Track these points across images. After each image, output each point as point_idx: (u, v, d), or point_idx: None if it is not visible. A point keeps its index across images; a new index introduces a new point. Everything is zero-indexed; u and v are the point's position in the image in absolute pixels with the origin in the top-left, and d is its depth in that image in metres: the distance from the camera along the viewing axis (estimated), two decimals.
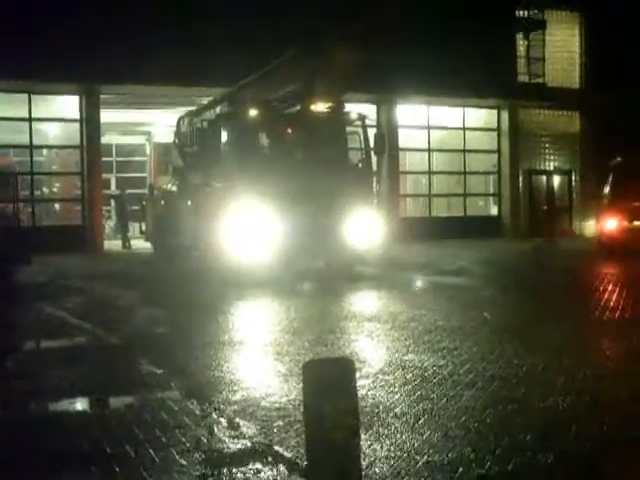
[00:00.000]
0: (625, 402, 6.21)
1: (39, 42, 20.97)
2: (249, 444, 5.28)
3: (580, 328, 9.87)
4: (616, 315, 10.99)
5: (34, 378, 7.30)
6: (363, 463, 4.48)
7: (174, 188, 20.12)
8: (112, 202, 30.23)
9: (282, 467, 4.87)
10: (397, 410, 6.01)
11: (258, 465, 4.90)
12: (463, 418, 5.75)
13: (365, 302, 13.19)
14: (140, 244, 24.69)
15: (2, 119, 23.35)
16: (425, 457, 4.98)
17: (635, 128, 28.52)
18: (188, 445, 5.24)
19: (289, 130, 16.21)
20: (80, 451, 5.22)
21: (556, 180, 32.04)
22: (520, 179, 30.67)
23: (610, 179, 20.87)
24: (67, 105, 24.54)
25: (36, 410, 6.34)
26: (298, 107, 15.86)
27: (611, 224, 20.09)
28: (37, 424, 5.93)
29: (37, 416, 6.19)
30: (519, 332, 9.51)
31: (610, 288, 14.05)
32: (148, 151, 33.42)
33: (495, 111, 30.55)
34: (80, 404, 6.67)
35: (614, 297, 12.80)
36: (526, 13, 30.76)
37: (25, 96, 23.35)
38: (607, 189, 20.89)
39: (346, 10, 23.23)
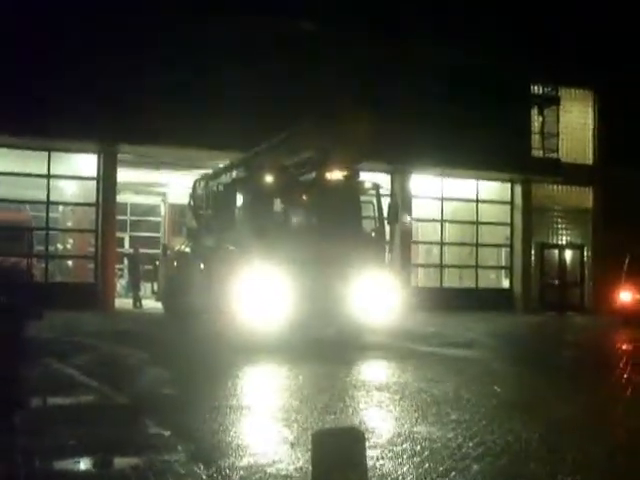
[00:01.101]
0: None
1: (59, 101, 21.32)
2: None
3: (591, 403, 9.78)
4: (628, 390, 10.90)
5: (40, 435, 7.26)
6: None
7: (187, 250, 20.23)
8: (125, 261, 30.37)
9: None
10: None
11: None
12: None
13: (375, 371, 13.12)
14: (151, 304, 24.73)
15: (21, 175, 23.63)
16: None
17: None
18: None
19: (304, 197, 16.30)
20: None
21: (568, 254, 32.05)
22: (532, 252, 30.68)
23: (627, 259, 24.55)
24: (85, 163, 24.83)
25: (41, 468, 6.29)
26: (313, 174, 15.99)
27: (626, 296, 24.01)
28: None
29: (41, 474, 6.15)
30: (529, 406, 9.44)
31: (622, 363, 13.95)
32: (163, 211, 33.67)
33: (508, 185, 30.73)
34: (85, 463, 6.62)
35: (626, 371, 12.71)
36: (541, 89, 31.15)
37: (45, 154, 23.66)
38: (625, 267, 24.51)
39: (362, 83, 23.79)
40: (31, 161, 23.96)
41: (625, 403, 10.03)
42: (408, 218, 25.52)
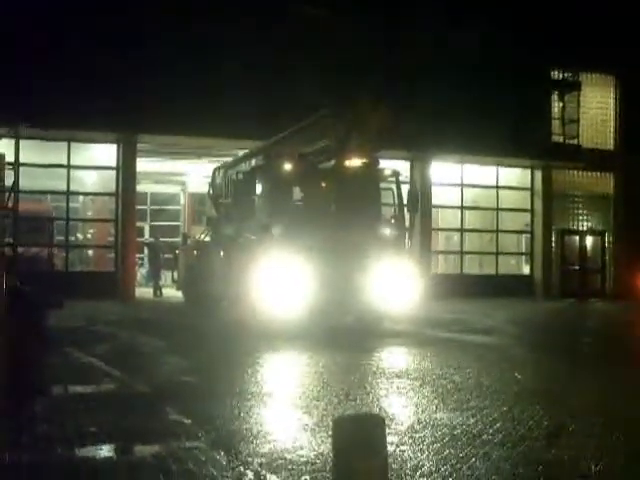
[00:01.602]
0: None
1: (79, 93, 21.37)
2: None
3: (613, 389, 9.73)
4: None
5: (61, 423, 7.30)
6: None
7: (207, 238, 20.29)
8: (145, 250, 30.48)
9: None
10: (425, 468, 5.94)
11: None
12: (492, 478, 5.67)
13: (395, 358, 13.11)
14: (171, 292, 24.82)
15: (42, 166, 23.73)
16: None
17: None
18: None
19: (323, 184, 16.29)
20: None
21: (589, 240, 31.86)
22: (553, 239, 30.53)
23: None
24: (104, 153, 24.91)
25: (62, 456, 6.32)
26: (332, 162, 15.96)
27: None
28: (63, 470, 5.92)
29: (63, 462, 6.17)
30: (550, 393, 9.41)
31: None
32: (182, 200, 33.76)
33: (529, 171, 30.57)
34: (106, 451, 6.64)
35: None
36: (561, 75, 30.90)
37: (65, 144, 23.75)
38: None
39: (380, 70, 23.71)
40: (51, 152, 24.05)
41: None
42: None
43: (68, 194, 24.73)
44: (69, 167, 24.17)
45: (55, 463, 6.09)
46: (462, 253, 29.92)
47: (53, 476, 5.77)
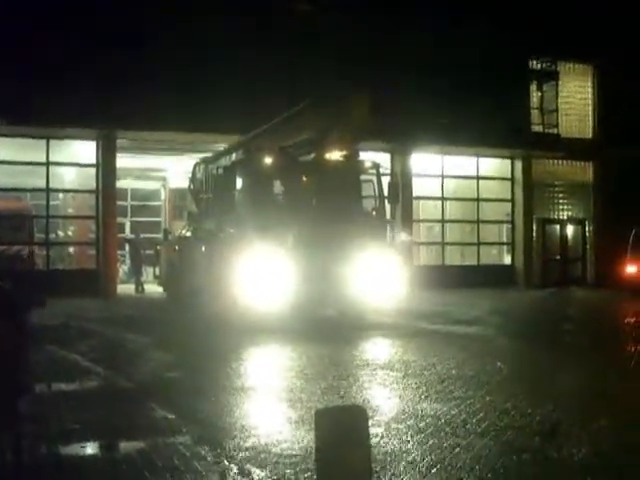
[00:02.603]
0: None
1: (57, 89, 21.23)
2: None
3: (596, 377, 9.80)
4: (632, 363, 10.93)
5: (45, 421, 7.30)
6: None
7: (188, 233, 20.22)
8: (126, 246, 30.36)
9: None
10: (409, 459, 5.97)
11: None
12: (476, 467, 5.71)
13: (378, 350, 13.15)
14: (153, 288, 24.74)
15: (20, 163, 23.59)
16: None
17: None
18: None
19: (304, 177, 16.28)
20: None
21: (569, 229, 32.01)
22: (533, 228, 30.65)
23: (633, 233, 25.09)
24: (84, 150, 24.77)
25: (47, 454, 6.32)
26: (313, 155, 15.96)
27: (632, 269, 24.59)
28: (47, 468, 5.91)
29: (48, 460, 6.17)
30: (533, 382, 9.47)
31: (625, 337, 13.98)
32: (163, 196, 33.62)
33: (509, 161, 30.63)
34: (91, 448, 6.65)
35: (629, 346, 12.74)
36: (539, 64, 31.00)
37: (43, 141, 23.59)
38: (630, 241, 25.07)
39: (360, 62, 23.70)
40: (30, 149, 23.89)
41: (630, 376, 10.04)
42: (408, 237, 25.41)
43: (48, 191, 24.56)
44: (48, 164, 24.01)
45: (39, 461, 6.08)
46: (444, 244, 29.99)
47: (37, 474, 5.76)
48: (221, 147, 21.02)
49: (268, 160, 15.59)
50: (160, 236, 26.85)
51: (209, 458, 6.02)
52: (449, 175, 29.55)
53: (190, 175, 21.47)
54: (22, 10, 21.68)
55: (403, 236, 24.06)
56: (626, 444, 6.46)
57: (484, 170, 30.23)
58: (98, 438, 6.81)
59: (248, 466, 5.76)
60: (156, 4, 22.98)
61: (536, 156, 30.22)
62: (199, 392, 8.69)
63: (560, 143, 29.87)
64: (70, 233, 29.13)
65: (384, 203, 16.35)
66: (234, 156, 17.89)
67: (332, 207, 15.33)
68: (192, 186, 21.04)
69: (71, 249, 28.63)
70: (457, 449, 6.22)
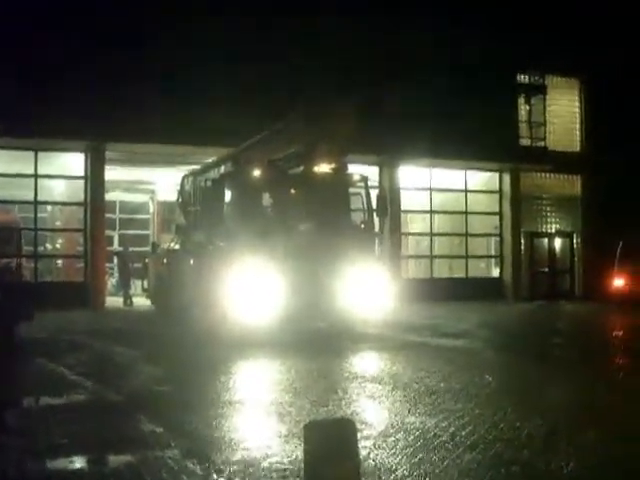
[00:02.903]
0: (633, 467, 6.17)
1: (46, 101, 21.22)
2: None
3: (584, 389, 9.82)
4: (620, 376, 10.95)
5: (33, 435, 7.26)
6: None
7: (177, 246, 20.19)
8: (115, 259, 30.30)
9: None
10: (399, 472, 5.97)
11: None
12: None
13: (367, 363, 13.15)
14: (142, 301, 24.68)
15: (8, 175, 23.53)
16: None
17: (636, 191, 28.83)
18: None
19: (292, 190, 16.31)
20: None
21: (557, 242, 32.12)
22: (522, 241, 30.74)
23: (620, 246, 25.37)
24: (72, 162, 24.73)
25: (33, 468, 6.28)
26: (301, 168, 15.99)
27: (619, 282, 24.87)
28: None
29: (34, 474, 6.14)
30: (521, 394, 9.48)
31: (613, 350, 14.02)
32: (151, 209, 33.56)
33: (497, 174, 30.76)
34: (79, 462, 6.61)
35: (617, 359, 12.78)
36: (527, 78, 31.19)
37: (31, 153, 23.54)
38: (617, 254, 25.36)
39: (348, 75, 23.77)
40: (18, 161, 23.85)
41: (618, 388, 10.06)
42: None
43: (36, 204, 24.51)
44: (36, 176, 23.96)
45: (26, 475, 6.04)
46: (432, 257, 30.03)
47: None
48: (209, 160, 21.02)
49: (257, 173, 15.61)
50: (148, 249, 26.82)
51: (198, 472, 6.01)
52: (437, 188, 29.65)
53: (178, 188, 21.46)
54: (8, 24, 21.65)
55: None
56: (614, 457, 6.48)
57: (472, 183, 30.34)
58: (86, 452, 6.78)
59: None
60: (147, 14, 23.01)
61: (524, 169, 30.36)
62: (188, 406, 8.67)
63: (548, 156, 30.05)
64: (58, 246, 29.04)
65: (372, 216, 16.38)
66: (222, 169, 17.90)
67: (321, 220, 15.35)
68: (180, 199, 21.03)
69: (59, 262, 28.54)
70: (446, 462, 6.22)
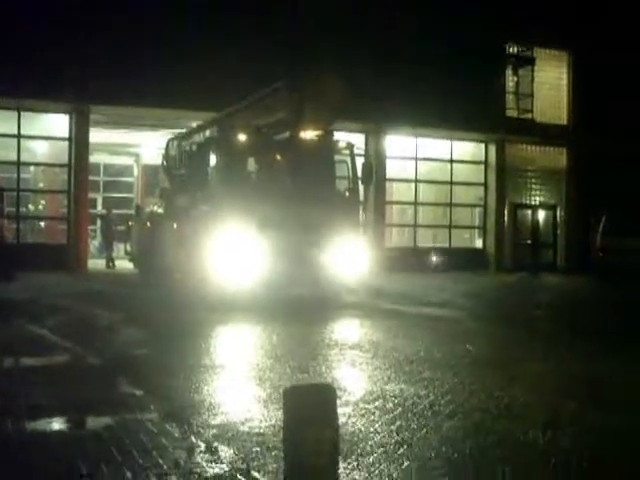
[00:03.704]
0: (611, 435, 6.21)
1: (30, 60, 21.03)
2: (227, 468, 5.24)
3: (563, 359, 9.88)
4: (602, 347, 11.03)
5: (11, 396, 7.23)
6: None
7: (160, 210, 20.10)
8: (98, 222, 30.20)
9: None
10: (377, 439, 5.99)
11: None
12: (443, 449, 5.73)
13: (348, 330, 13.17)
14: (124, 264, 24.62)
15: None
16: None
17: (621, 165, 28.91)
18: (165, 468, 5.20)
19: (277, 156, 16.25)
20: (55, 472, 5.17)
21: (541, 215, 32.21)
22: (505, 213, 30.81)
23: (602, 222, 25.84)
24: (56, 123, 24.55)
25: (11, 429, 6.27)
26: (287, 134, 15.92)
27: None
28: (12, 443, 5.86)
29: (12, 435, 6.12)
30: (501, 364, 9.52)
31: (594, 322, 14.12)
32: (136, 172, 33.45)
33: (483, 145, 30.77)
34: (58, 424, 6.59)
35: (599, 330, 12.87)
36: (515, 49, 31.11)
37: (14, 113, 23.35)
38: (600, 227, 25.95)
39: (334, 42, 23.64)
40: (1, 121, 23.65)
41: (597, 359, 10.12)
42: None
43: (19, 165, 24.36)
44: (19, 137, 23.80)
45: (5, 436, 6.03)
46: (416, 226, 30.07)
47: (3, 450, 5.71)
48: (195, 124, 20.90)
49: (242, 138, 15.54)
50: (132, 212, 26.72)
51: (176, 435, 6.00)
52: (423, 158, 29.62)
53: (163, 152, 21.34)
54: None
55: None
56: (592, 426, 6.52)
57: (458, 154, 30.36)
58: (65, 414, 6.76)
59: (215, 443, 5.74)
60: None
61: (510, 140, 30.40)
62: (168, 369, 8.67)
63: (534, 128, 30.07)
64: (41, 207, 28.92)
65: (357, 184, 16.36)
66: (208, 133, 17.79)
67: (305, 187, 15.31)
68: (165, 163, 20.90)
69: (42, 223, 28.44)
70: (424, 430, 6.25)
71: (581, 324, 14.09)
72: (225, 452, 5.58)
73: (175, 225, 17.77)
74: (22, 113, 23.54)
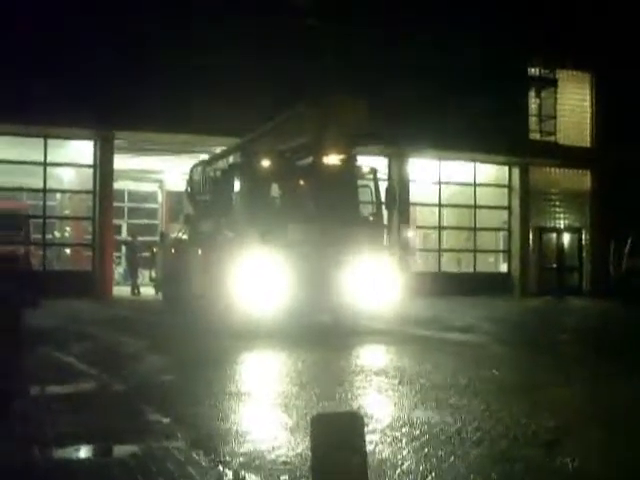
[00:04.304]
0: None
1: (56, 88, 21.25)
2: None
3: (591, 386, 9.79)
4: (630, 371, 10.91)
5: (37, 424, 7.25)
6: None
7: (185, 236, 20.19)
8: (123, 248, 30.37)
9: None
10: (404, 467, 5.94)
11: None
12: (471, 476, 5.68)
13: (373, 356, 13.12)
14: (149, 291, 24.72)
15: (17, 163, 23.56)
16: None
17: None
18: None
19: (301, 181, 16.29)
20: None
21: (566, 238, 32.03)
22: (530, 236, 30.66)
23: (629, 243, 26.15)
24: (81, 150, 24.77)
25: (39, 457, 6.27)
26: (310, 159, 15.96)
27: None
28: (38, 471, 5.87)
29: (39, 463, 6.13)
30: (528, 390, 9.44)
31: (620, 345, 13.98)
32: (160, 198, 33.64)
33: (506, 168, 30.69)
34: (84, 452, 6.61)
35: (626, 354, 12.74)
36: (538, 72, 31.08)
37: (41, 140, 23.58)
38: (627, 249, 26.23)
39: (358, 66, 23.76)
40: (27, 149, 23.90)
41: (627, 385, 10.01)
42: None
43: (45, 192, 24.58)
44: (45, 164, 24.01)
45: (32, 465, 6.04)
46: (440, 251, 29.99)
47: (30, 477, 5.72)
48: (218, 149, 21.01)
49: (266, 163, 15.58)
50: (156, 238, 26.86)
51: (203, 463, 5.98)
52: (446, 181, 29.59)
53: (187, 177, 21.47)
54: (22, 8, 21.68)
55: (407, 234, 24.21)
56: (621, 455, 6.45)
57: (481, 177, 30.28)
58: (91, 442, 6.77)
59: (243, 472, 5.72)
60: (156, 6, 23.03)
61: (534, 163, 30.29)
62: (194, 396, 8.66)
63: (558, 150, 29.97)
64: (67, 234, 29.15)
65: (381, 208, 16.35)
66: (232, 159, 17.89)
67: (329, 212, 15.33)
68: (189, 189, 21.02)
69: (67, 250, 28.64)
70: (452, 457, 6.20)
71: (607, 348, 13.96)
72: None
73: (200, 251, 17.83)
74: (48, 140, 23.77)
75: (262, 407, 8.50)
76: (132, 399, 8.62)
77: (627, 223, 26.75)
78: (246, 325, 14.19)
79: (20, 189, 26.41)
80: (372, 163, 17.42)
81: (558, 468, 5.96)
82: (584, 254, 32.04)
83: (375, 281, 15.29)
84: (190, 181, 21.02)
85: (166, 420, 7.44)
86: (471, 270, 30.12)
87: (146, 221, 34.08)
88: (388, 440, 6.74)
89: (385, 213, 16.81)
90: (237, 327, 14.29)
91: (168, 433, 6.93)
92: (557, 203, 31.57)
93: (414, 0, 25.98)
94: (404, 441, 6.71)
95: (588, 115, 32.13)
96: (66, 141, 24.72)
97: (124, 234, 32.64)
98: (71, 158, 25.43)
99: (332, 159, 15.65)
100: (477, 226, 30.38)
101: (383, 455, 6.25)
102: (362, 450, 4.05)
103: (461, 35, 26.66)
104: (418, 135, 26.03)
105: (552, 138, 30.86)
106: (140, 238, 29.39)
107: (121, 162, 25.49)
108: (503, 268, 31.47)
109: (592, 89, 32.05)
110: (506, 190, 30.80)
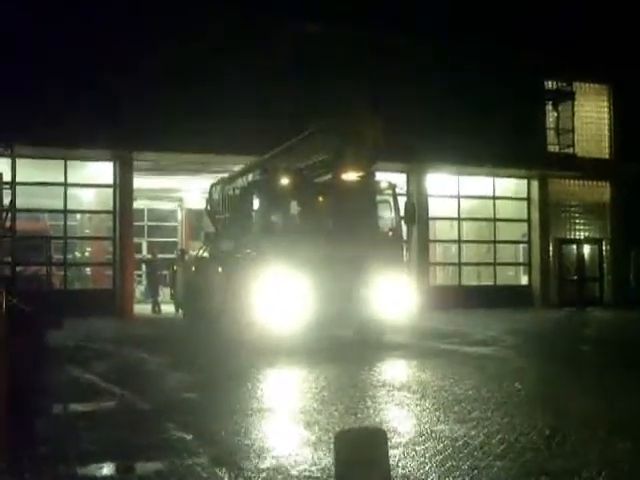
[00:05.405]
0: None
1: (75, 110, 21.39)
2: None
3: (615, 398, 9.73)
4: None
5: (62, 442, 7.30)
6: None
7: (205, 254, 20.26)
8: (143, 267, 30.46)
9: None
10: None
11: None
12: None
13: (395, 371, 13.11)
14: (170, 309, 24.78)
15: (38, 184, 23.71)
16: None
17: None
18: None
19: (320, 198, 16.31)
20: None
21: (586, 249, 31.88)
22: (550, 248, 30.54)
23: None
24: (101, 171, 24.92)
25: (63, 475, 6.32)
26: (329, 176, 15.99)
27: None
28: None
29: None
30: (551, 402, 9.41)
31: None
32: (180, 217, 33.76)
33: (525, 181, 30.59)
34: (108, 469, 6.65)
35: None
36: (555, 85, 31.04)
37: (61, 162, 23.74)
38: None
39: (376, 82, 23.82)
40: (48, 170, 24.05)
41: None
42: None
43: (65, 212, 24.71)
44: (66, 185, 24.15)
45: None
46: (460, 264, 29.91)
47: None
48: (237, 168, 21.08)
49: (285, 181, 15.61)
50: (176, 256, 26.94)
51: (226, 479, 6.01)
52: (465, 195, 29.54)
53: (207, 196, 21.55)
54: (37, 30, 21.88)
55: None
56: None
57: (500, 190, 30.20)
58: (115, 459, 6.81)
59: None
60: (172, 25, 23.21)
61: (552, 176, 30.18)
62: (216, 413, 8.69)
63: (576, 163, 29.86)
64: (87, 254, 29.29)
65: (400, 224, 16.35)
66: (251, 177, 17.95)
67: (348, 228, 15.35)
68: (209, 207, 21.11)
69: (88, 269, 28.76)
70: (476, 471, 6.19)
71: (630, 359, 13.88)
72: None
73: (220, 269, 17.88)
74: (68, 162, 23.93)
75: (284, 423, 8.52)
76: (155, 416, 8.66)
77: None
78: (267, 341, 14.22)
79: (41, 210, 26.56)
80: (390, 179, 17.43)
81: None
82: (604, 265, 31.87)
83: (395, 296, 15.28)
84: (210, 199, 21.10)
85: (189, 437, 7.47)
86: (491, 283, 30.00)
87: (166, 239, 34.21)
88: (411, 454, 6.74)
89: (404, 228, 16.80)
90: (258, 344, 14.31)
91: (191, 450, 6.96)
92: (577, 215, 31.42)
93: (429, 15, 26.00)
94: (427, 455, 6.71)
95: (606, 127, 32.01)
96: (86, 162, 24.88)
97: (144, 252, 32.76)
98: (91, 179, 25.56)
99: (351, 176, 15.68)
100: (497, 239, 30.29)
101: (407, 469, 6.25)
102: (385, 465, 4.06)
103: (478, 50, 26.68)
104: (436, 150, 26.03)
105: (570, 151, 30.75)
106: (160, 256, 29.49)
107: (141, 181, 25.60)
108: (524, 280, 31.31)
109: (609, 101, 31.94)
110: (525, 203, 30.71)
